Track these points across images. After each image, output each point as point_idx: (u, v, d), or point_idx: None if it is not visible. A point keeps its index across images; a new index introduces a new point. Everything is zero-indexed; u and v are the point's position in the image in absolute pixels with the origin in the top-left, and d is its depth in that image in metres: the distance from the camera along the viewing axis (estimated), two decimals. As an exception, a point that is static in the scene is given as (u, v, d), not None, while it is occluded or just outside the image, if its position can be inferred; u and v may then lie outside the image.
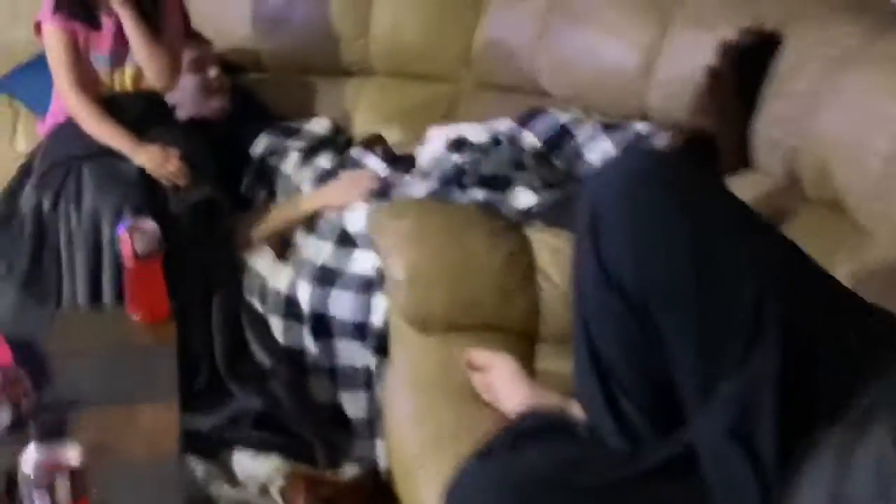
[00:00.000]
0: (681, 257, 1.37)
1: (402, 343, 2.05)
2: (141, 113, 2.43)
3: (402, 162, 2.60)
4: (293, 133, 2.66)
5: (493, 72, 2.84)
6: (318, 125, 2.72)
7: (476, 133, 2.43)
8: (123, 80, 2.46)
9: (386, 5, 2.92)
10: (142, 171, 2.33)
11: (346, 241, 2.39)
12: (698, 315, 1.36)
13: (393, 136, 2.88)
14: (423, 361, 1.98)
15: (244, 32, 3.00)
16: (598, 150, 2.44)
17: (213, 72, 2.76)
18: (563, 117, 2.51)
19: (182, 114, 2.67)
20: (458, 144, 2.39)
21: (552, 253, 2.05)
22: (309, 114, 2.96)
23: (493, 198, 2.20)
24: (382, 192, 2.36)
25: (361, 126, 2.92)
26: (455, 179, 2.23)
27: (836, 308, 1.42)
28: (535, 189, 2.24)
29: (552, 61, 2.69)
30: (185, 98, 2.65)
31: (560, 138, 2.49)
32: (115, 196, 2.26)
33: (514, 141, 2.41)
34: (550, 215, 2.20)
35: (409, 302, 1.97)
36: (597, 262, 1.41)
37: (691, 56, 2.40)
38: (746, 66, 2.18)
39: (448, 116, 2.89)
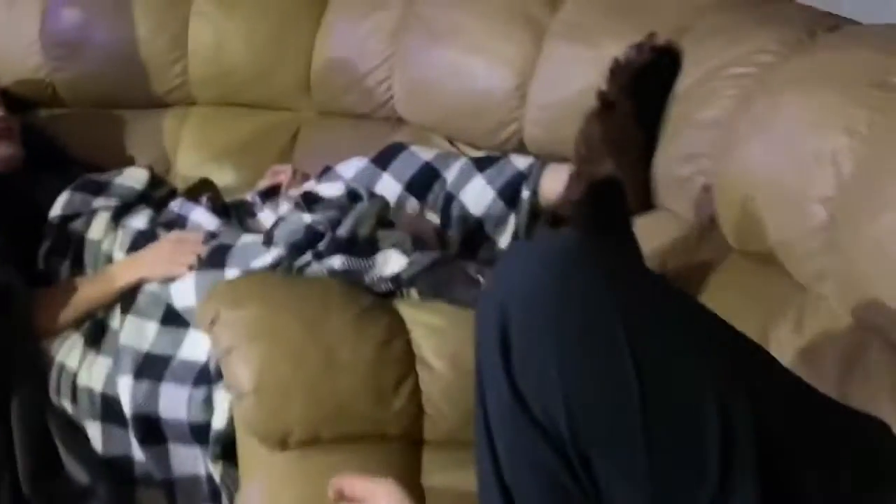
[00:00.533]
0: (624, 382, 1.02)
1: (251, 462, 1.63)
2: None
3: (236, 211, 2.17)
4: (101, 189, 2.18)
5: (338, 97, 2.43)
6: (132, 178, 2.24)
7: (328, 187, 2.01)
8: None
9: (204, 22, 2.46)
10: None
11: (173, 319, 1.94)
12: (650, 456, 1.01)
13: (225, 177, 2.45)
14: (280, 487, 1.58)
15: (33, 61, 2.50)
16: (473, 190, 2.07)
17: (-4, 112, 2.26)
18: (426, 154, 2.13)
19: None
20: (309, 200, 1.98)
21: (432, 335, 1.68)
22: (119, 155, 2.49)
23: (355, 265, 1.80)
24: (214, 257, 1.92)
25: (186, 169, 2.47)
26: (307, 244, 1.81)
27: (818, 421, 1.10)
28: (405, 250, 1.85)
29: (407, 84, 2.30)
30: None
31: (426, 179, 2.10)
32: None
33: (373, 192, 2.00)
34: (426, 281, 1.81)
35: (258, 417, 1.56)
36: (511, 389, 1.05)
37: (572, 76, 2.06)
38: (641, 90, 1.85)
39: (289, 150, 2.47)
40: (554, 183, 2.04)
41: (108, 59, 2.48)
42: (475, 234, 2.09)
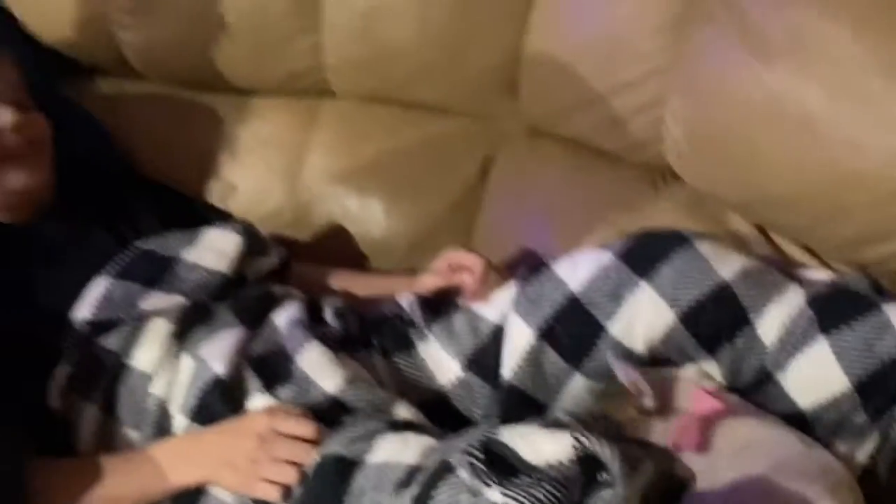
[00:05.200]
0: None
1: None
2: None
3: (380, 336, 1.26)
4: (159, 274, 1.26)
5: (563, 112, 1.43)
6: (214, 253, 1.31)
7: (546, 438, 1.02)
8: None
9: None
10: None
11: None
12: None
13: (368, 220, 1.54)
14: None
15: (91, 11, 1.59)
16: (809, 372, 1.11)
17: (5, 116, 1.37)
18: (726, 265, 1.15)
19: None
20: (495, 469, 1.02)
21: None
22: (204, 166, 1.61)
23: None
24: (327, 479, 1.03)
25: (309, 200, 1.56)
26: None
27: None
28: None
29: (695, 122, 1.28)
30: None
31: (722, 320, 1.14)
32: None
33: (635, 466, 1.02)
34: None
35: None
36: None
37: None
38: None
39: (478, 186, 1.54)
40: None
41: (201, 19, 1.55)
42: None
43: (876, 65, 1.13)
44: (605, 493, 0.85)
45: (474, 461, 0.86)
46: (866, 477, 1.12)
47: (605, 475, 0.86)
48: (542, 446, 0.87)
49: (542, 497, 0.83)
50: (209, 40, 1.57)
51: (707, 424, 1.13)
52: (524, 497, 0.84)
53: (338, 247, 1.53)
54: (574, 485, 0.84)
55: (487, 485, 0.85)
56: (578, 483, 0.85)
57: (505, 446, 0.87)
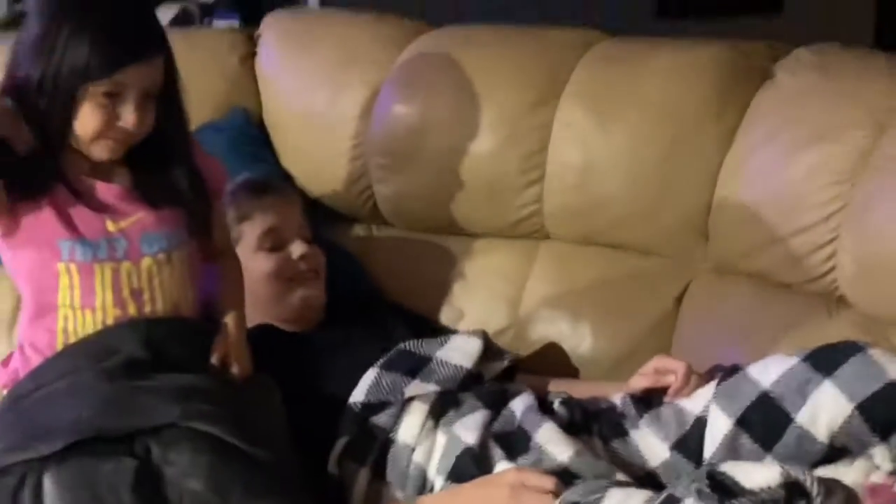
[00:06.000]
0: None
1: None
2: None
3: (598, 425, 1.53)
4: (419, 368, 1.60)
5: (747, 254, 1.71)
6: (460, 352, 1.64)
7: (753, 470, 1.30)
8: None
9: (570, 136, 1.83)
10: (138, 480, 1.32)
11: None
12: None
13: (582, 342, 1.82)
14: None
15: (352, 168, 1.99)
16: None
17: (297, 248, 1.75)
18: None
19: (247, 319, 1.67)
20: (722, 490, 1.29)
21: None
22: (439, 294, 1.94)
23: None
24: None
25: (530, 327, 1.87)
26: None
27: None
28: None
29: (864, 256, 1.56)
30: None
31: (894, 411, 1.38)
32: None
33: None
34: None
35: None
36: None
37: None
38: None
39: (673, 313, 1.80)
40: None
41: (442, 174, 1.92)
42: None
43: None
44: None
45: (701, 486, 1.12)
46: None
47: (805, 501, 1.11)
48: (755, 475, 1.11)
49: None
50: (449, 192, 1.93)
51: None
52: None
53: (552, 361, 1.82)
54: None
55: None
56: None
57: (724, 475, 1.12)
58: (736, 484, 1.11)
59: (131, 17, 1.44)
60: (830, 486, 1.15)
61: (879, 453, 1.40)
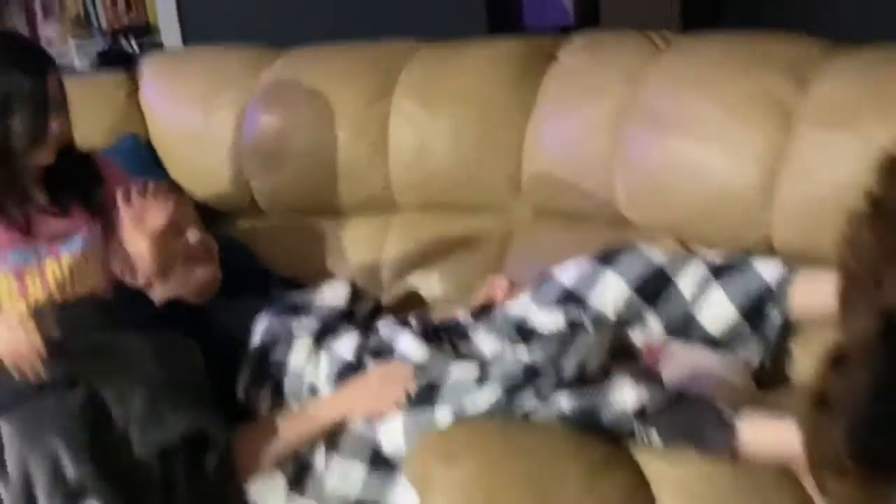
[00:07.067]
0: None
1: None
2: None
3: (447, 335, 1.96)
4: (301, 310, 2.01)
5: (553, 197, 2.19)
6: (332, 294, 2.07)
7: (546, 316, 1.77)
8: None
9: (405, 123, 2.29)
10: (83, 406, 1.70)
11: (382, 463, 1.75)
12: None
13: (433, 288, 2.26)
14: None
15: (231, 171, 2.40)
16: (711, 307, 1.79)
17: (192, 235, 2.14)
18: (658, 257, 1.86)
19: (159, 295, 2.06)
20: (523, 334, 1.74)
21: (678, 494, 1.39)
22: (319, 265, 2.35)
23: (587, 403, 1.54)
24: (424, 394, 1.71)
25: (390, 279, 2.30)
26: (526, 384, 1.58)
27: None
28: (637, 379, 1.59)
29: (632, 182, 2.04)
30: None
31: (658, 285, 1.84)
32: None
33: (599, 317, 1.75)
34: (669, 421, 1.54)
35: None
36: None
37: (830, 168, 1.76)
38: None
39: (501, 255, 2.25)
40: (809, 297, 1.75)
41: (307, 167, 2.35)
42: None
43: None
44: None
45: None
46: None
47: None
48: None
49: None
50: (314, 181, 2.35)
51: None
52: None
53: (410, 306, 2.23)
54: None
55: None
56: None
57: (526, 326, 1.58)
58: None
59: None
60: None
61: (652, 319, 1.86)
